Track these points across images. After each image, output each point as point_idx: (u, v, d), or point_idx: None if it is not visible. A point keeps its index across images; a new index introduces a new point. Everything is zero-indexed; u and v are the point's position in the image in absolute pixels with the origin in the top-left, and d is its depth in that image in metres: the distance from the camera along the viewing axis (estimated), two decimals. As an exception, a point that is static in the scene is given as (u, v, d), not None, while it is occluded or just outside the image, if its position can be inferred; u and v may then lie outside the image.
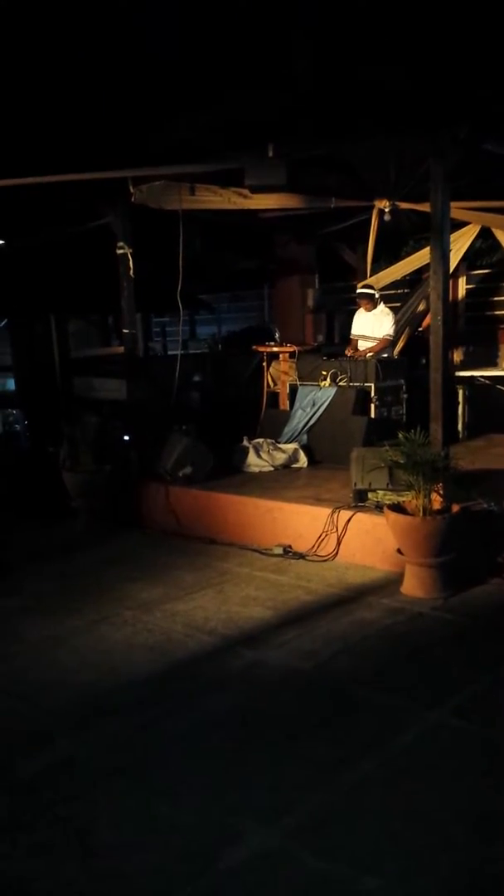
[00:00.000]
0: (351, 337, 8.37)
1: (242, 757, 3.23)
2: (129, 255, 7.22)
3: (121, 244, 7.23)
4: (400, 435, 5.18)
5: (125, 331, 7.67)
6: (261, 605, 4.93)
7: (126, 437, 7.60)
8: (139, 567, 5.81)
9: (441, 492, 5.10)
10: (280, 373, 8.65)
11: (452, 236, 7.29)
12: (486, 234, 8.41)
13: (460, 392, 8.14)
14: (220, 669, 4.05)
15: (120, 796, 2.99)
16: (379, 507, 5.54)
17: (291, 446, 7.52)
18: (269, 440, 7.60)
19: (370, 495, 5.74)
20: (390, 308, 8.26)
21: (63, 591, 5.33)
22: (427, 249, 6.84)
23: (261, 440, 7.60)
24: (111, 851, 2.67)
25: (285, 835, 2.71)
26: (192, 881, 2.51)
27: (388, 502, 5.39)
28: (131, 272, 7.26)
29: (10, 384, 11.18)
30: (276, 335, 9.71)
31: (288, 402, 8.22)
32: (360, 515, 5.64)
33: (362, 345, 8.17)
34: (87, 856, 2.66)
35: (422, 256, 8.25)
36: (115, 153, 6.06)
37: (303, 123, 5.65)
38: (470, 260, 9.00)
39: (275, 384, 8.80)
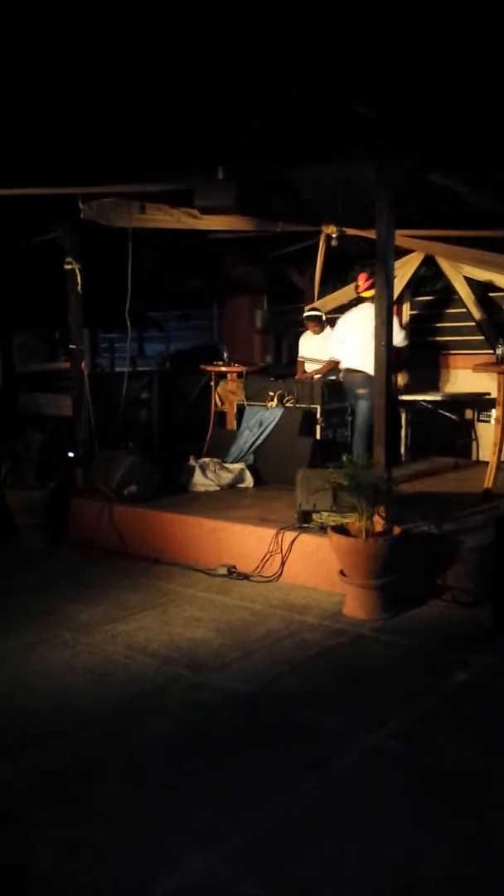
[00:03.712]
0: (298, 359, 8.45)
1: (182, 780, 3.20)
2: (78, 271, 7.17)
3: (69, 260, 7.17)
4: (343, 457, 5.25)
5: (72, 346, 7.60)
6: (204, 626, 4.91)
7: (71, 455, 7.50)
8: (81, 587, 5.72)
9: (383, 514, 5.17)
10: (228, 392, 8.69)
11: (397, 263, 7.45)
12: (430, 261, 8.62)
13: (403, 415, 8.29)
14: (161, 692, 4.01)
15: (57, 822, 2.92)
16: (323, 529, 5.58)
17: (238, 466, 7.53)
18: (215, 459, 7.60)
19: (314, 516, 5.78)
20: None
21: (0, 612, 5.22)
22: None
23: (207, 459, 7.59)
24: (48, 879, 2.61)
25: (224, 859, 2.69)
26: (128, 910, 2.47)
27: (331, 524, 5.43)
28: (79, 288, 7.21)
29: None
30: (225, 355, 9.75)
31: (235, 422, 8.25)
32: (304, 536, 5.68)
33: (309, 367, 8.26)
34: (23, 884, 2.59)
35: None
36: (64, 169, 6.04)
37: (251, 147, 5.73)
38: (414, 287, 9.19)
39: (222, 403, 8.85)
